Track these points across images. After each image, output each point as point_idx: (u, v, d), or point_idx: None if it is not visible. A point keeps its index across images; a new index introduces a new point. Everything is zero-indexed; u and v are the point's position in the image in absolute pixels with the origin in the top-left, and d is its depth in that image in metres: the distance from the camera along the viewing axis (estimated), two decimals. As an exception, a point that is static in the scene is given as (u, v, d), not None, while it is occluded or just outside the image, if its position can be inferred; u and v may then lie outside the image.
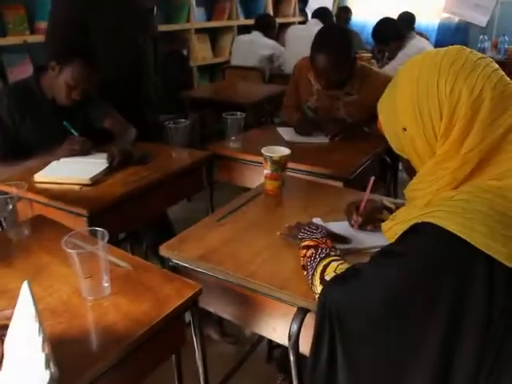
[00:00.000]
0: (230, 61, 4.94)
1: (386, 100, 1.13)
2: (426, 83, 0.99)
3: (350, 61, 2.36)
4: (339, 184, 1.99)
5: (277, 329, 1.31)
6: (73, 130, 2.19)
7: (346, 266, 1.12)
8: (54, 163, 2.09)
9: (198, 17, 5.19)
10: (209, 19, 5.45)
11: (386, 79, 2.53)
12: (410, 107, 1.02)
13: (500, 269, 0.86)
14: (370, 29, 6.52)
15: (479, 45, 5.62)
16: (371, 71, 2.49)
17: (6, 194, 1.95)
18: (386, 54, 4.55)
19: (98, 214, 1.74)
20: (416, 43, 3.95)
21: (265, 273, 1.29)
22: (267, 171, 1.72)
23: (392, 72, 3.50)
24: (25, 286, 1.00)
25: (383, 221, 1.39)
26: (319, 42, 2.35)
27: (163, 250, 1.42)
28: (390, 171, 2.46)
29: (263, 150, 1.73)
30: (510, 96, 0.97)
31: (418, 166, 1.07)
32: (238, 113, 2.30)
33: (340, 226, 1.51)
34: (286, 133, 2.53)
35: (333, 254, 1.20)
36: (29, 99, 2.23)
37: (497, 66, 1.01)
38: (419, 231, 0.94)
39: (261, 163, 1.80)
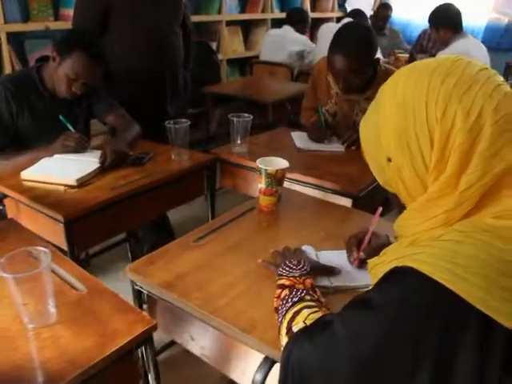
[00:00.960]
0: (259, 55, 4.75)
1: (367, 123, 0.94)
2: (412, 105, 0.81)
3: (371, 63, 2.14)
4: (347, 201, 1.80)
5: (246, 374, 1.14)
6: (69, 125, 2.06)
7: (318, 315, 0.94)
8: (45, 160, 1.96)
9: (230, 8, 5.01)
10: (242, 11, 5.25)
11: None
12: (395, 134, 0.83)
13: (498, 331, 0.68)
14: (412, 28, 6.25)
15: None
16: None
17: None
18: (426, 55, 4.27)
19: (76, 221, 1.61)
20: (461, 44, 3.47)
21: (233, 310, 1.12)
22: (261, 185, 1.55)
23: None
24: None
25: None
26: (336, 41, 2.14)
27: (129, 271, 1.27)
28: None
29: (258, 162, 1.55)
30: None
31: (407, 201, 0.89)
32: (246, 114, 2.12)
33: (333, 257, 1.32)
34: (300, 138, 2.34)
35: (308, 298, 1.02)
36: (28, 90, 2.11)
37: (501, 78, 0.81)
38: (398, 277, 0.76)
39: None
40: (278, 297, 1.08)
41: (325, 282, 1.21)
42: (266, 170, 1.51)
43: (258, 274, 1.25)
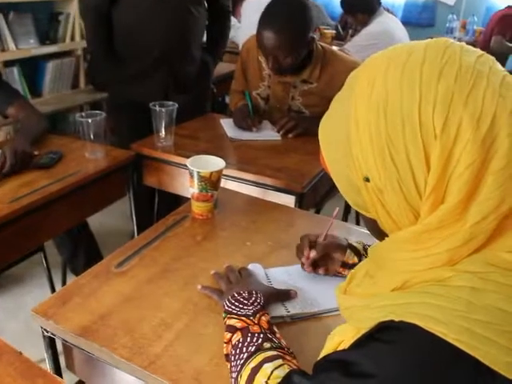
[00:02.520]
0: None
1: (329, 129, 0.70)
2: (400, 111, 0.59)
3: (304, 41, 1.92)
4: (290, 199, 1.60)
5: None
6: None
7: (283, 371, 0.74)
8: None
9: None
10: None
11: (352, 68, 2.13)
12: (375, 148, 0.61)
13: None
14: (336, 2, 6.12)
15: (447, 25, 5.28)
16: (335, 55, 2.05)
17: None
18: (350, 31, 4.13)
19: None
20: (383, 20, 3.42)
21: (173, 359, 0.89)
22: (194, 190, 1.31)
23: (353, 51, 3.11)
24: None
25: (345, 264, 1.08)
26: (265, 16, 1.90)
27: (33, 315, 1.00)
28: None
29: (188, 163, 1.30)
30: None
31: (390, 228, 0.67)
32: (170, 102, 1.86)
33: (285, 275, 1.12)
34: (231, 127, 2.11)
35: (267, 346, 0.81)
36: None
37: (499, 65, 0.61)
38: (395, 337, 0.56)
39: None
40: (229, 342, 0.86)
41: (280, 310, 1.01)
42: (198, 172, 1.27)
43: (199, 306, 1.03)
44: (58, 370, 1.08)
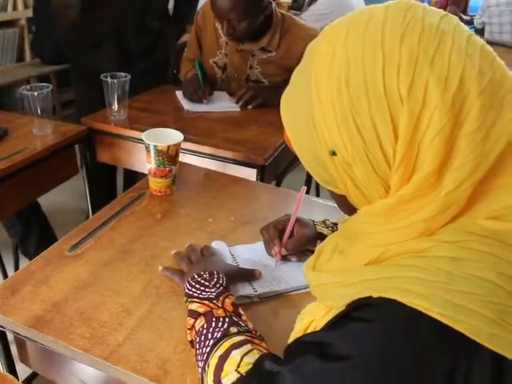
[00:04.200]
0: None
1: (292, 101, 0.65)
2: (362, 77, 0.54)
3: (261, 4, 1.83)
4: (252, 172, 1.54)
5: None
6: None
7: (253, 357, 0.69)
8: None
9: None
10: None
11: (312, 35, 2.05)
12: (339, 119, 0.56)
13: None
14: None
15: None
16: (294, 23, 1.98)
17: None
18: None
19: None
20: None
21: (135, 348, 0.83)
22: (151, 166, 1.24)
23: (310, 21, 3.02)
24: None
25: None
26: None
27: (-19, 306, 0.92)
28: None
29: (144, 136, 1.23)
30: (503, 82, 0.54)
31: (360, 203, 0.62)
32: (122, 74, 1.75)
33: (250, 252, 1.07)
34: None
35: (234, 330, 0.76)
36: None
37: (463, 25, 0.57)
38: (375, 315, 0.52)
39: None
40: (192, 328, 0.81)
41: (247, 290, 0.96)
42: (155, 146, 1.20)
43: (161, 289, 0.97)
44: (10, 363, 1.02)
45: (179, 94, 2.07)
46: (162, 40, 2.44)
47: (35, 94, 1.60)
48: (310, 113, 0.59)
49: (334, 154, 0.58)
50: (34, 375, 1.52)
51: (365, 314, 0.53)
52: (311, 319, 0.68)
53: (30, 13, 3.64)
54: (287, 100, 0.66)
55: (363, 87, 0.54)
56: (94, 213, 1.82)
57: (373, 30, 0.55)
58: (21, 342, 0.95)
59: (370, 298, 0.53)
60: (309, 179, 2.18)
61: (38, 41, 3.63)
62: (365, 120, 0.54)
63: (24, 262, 2.06)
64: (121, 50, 2.26)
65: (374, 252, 0.59)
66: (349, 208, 0.66)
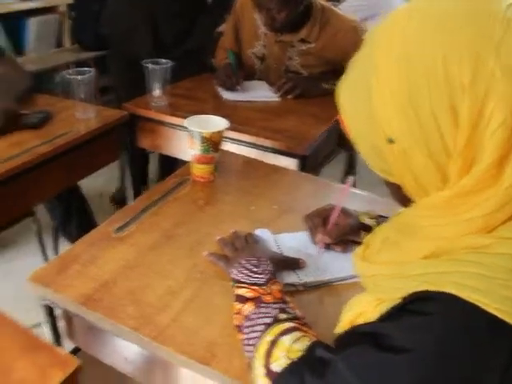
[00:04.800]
0: None
1: (350, 88, 0.65)
2: (423, 63, 0.54)
3: None
4: (291, 162, 1.54)
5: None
6: None
7: (302, 344, 0.69)
8: None
9: None
10: None
11: (352, 27, 2.06)
12: (398, 106, 0.56)
13: None
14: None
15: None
16: (334, 14, 1.95)
17: None
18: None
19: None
20: None
21: (181, 331, 0.84)
22: (194, 152, 1.24)
23: (349, 12, 2.99)
24: None
25: (359, 243, 0.99)
26: None
27: (31, 282, 0.94)
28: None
29: (187, 122, 1.24)
30: None
31: (416, 194, 0.62)
32: (163, 60, 1.77)
33: (294, 241, 1.07)
34: (226, 87, 2.03)
35: (283, 316, 0.76)
36: None
37: None
38: (431, 308, 0.52)
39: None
40: (239, 313, 0.82)
41: (292, 277, 0.96)
42: (200, 132, 1.21)
43: (206, 273, 0.98)
44: (57, 339, 1.04)
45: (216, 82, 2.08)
46: (198, 28, 2.44)
47: (79, 78, 1.62)
48: (368, 100, 0.59)
49: (391, 141, 0.58)
50: (75, 351, 1.55)
51: (423, 307, 0.52)
52: (360, 311, 0.67)
53: (69, -1, 3.69)
54: (346, 87, 0.66)
55: (423, 75, 0.54)
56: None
57: (434, 17, 0.55)
58: (69, 319, 0.97)
59: (427, 291, 0.52)
60: (349, 171, 2.17)
61: (78, 27, 3.68)
62: (424, 108, 0.54)
63: (64, 245, 2.11)
64: (155, 36, 2.28)
65: (430, 246, 0.58)
66: (403, 198, 0.66)
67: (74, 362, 0.77)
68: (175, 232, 1.09)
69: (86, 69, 1.64)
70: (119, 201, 2.50)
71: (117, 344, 0.94)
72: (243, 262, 0.90)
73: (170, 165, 2.37)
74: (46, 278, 0.94)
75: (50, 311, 0.99)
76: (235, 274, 0.88)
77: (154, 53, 2.08)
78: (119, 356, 0.96)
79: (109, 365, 0.99)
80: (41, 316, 1.00)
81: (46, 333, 1.04)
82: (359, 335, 0.57)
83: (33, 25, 3.64)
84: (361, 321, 0.66)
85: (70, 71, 1.62)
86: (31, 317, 1.02)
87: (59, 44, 3.91)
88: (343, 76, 0.66)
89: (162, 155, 2.36)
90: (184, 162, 1.39)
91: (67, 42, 3.91)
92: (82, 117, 1.67)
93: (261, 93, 1.97)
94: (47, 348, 0.79)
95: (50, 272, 0.95)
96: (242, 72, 2.04)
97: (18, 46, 3.61)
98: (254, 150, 1.59)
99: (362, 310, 0.67)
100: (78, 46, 3.77)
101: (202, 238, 1.08)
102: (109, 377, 1.29)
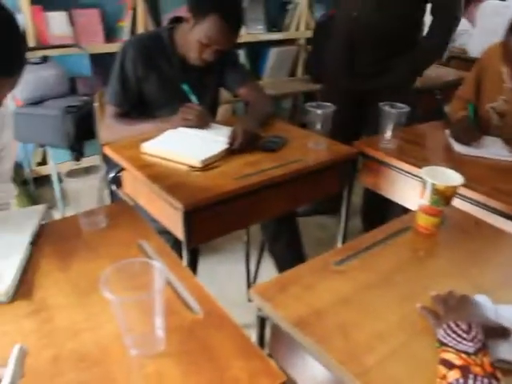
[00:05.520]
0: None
1: None
2: None
3: None
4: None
5: None
6: (192, 96, 1.87)
7: None
8: (169, 133, 1.78)
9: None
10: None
11: None
12: None
13: None
14: None
15: None
16: None
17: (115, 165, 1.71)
18: None
19: (196, 211, 1.40)
20: None
21: (384, 376, 0.84)
22: (424, 202, 1.23)
23: None
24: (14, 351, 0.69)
25: None
26: None
27: (253, 293, 1.03)
28: None
29: (423, 172, 1.23)
30: None
31: None
32: (401, 105, 1.79)
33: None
34: (458, 139, 1.97)
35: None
36: (157, 53, 1.94)
37: None
38: None
39: (418, 176, 1.31)
40: (443, 377, 0.79)
41: (504, 353, 0.89)
42: (433, 184, 1.19)
43: (416, 325, 0.96)
44: (261, 346, 1.11)
45: (448, 132, 2.03)
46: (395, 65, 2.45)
47: (318, 111, 1.72)
48: None
49: None
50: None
51: None
52: None
53: (309, 34, 3.95)
54: None
55: None
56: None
57: None
58: (277, 333, 1.03)
59: None
60: None
61: (310, 60, 3.93)
62: None
63: (266, 261, 2.24)
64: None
65: None
66: None
67: (282, 377, 0.82)
68: (392, 277, 1.09)
69: (327, 104, 1.74)
70: None
71: (316, 370, 0.97)
72: (452, 324, 0.87)
73: (375, 203, 2.40)
74: (268, 293, 1.02)
75: (262, 322, 1.07)
76: (442, 335, 0.86)
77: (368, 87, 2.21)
78: (310, 376, 0.99)
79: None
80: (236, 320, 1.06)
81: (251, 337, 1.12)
82: None
83: (273, 54, 3.98)
84: None
85: (313, 104, 1.73)
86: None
87: (292, 73, 4.20)
88: None
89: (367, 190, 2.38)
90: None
91: (299, 72, 4.17)
92: (313, 147, 1.77)
93: (495, 150, 1.87)
94: (261, 356, 0.86)
95: (271, 288, 1.03)
96: (479, 129, 1.96)
97: (257, 71, 3.97)
98: (480, 210, 1.51)
99: None
100: (308, 77, 4.00)
101: (417, 289, 1.06)
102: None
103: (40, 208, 1.28)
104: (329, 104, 1.74)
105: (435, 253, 1.21)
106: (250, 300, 1.43)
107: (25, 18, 2.92)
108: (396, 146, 1.81)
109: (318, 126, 1.74)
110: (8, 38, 0.95)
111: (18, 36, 0.99)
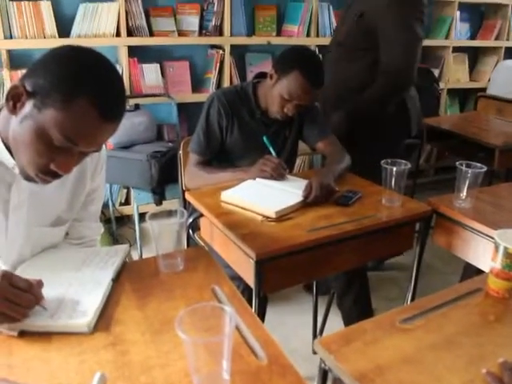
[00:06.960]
0: (487, 88, 4.25)
1: None
2: None
3: None
4: None
5: None
6: (271, 148, 1.96)
7: None
8: (247, 183, 1.87)
9: (459, 33, 4.63)
10: (472, 37, 4.79)
11: None
12: None
13: None
14: None
15: None
16: None
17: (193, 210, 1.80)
18: None
19: (268, 260, 1.45)
20: None
21: None
22: (495, 265, 1.22)
23: None
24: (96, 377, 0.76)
25: None
26: None
27: (318, 345, 1.06)
28: None
29: (497, 235, 1.23)
30: None
31: None
32: (478, 164, 1.78)
33: None
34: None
35: None
36: (241, 106, 2.06)
37: None
38: None
39: (492, 238, 1.30)
40: None
41: None
42: (506, 248, 1.19)
43: (481, 392, 0.95)
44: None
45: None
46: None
47: (394, 168, 1.75)
48: None
49: None
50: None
51: None
52: None
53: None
54: None
55: None
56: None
57: None
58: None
59: None
60: None
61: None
62: None
63: (334, 313, 2.24)
64: None
65: None
66: None
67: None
68: (458, 339, 1.09)
69: (402, 161, 1.76)
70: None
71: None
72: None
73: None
74: (332, 346, 1.04)
75: (324, 374, 1.09)
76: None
77: None
78: None
79: None
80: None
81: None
82: None
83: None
84: None
85: (389, 161, 1.76)
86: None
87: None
88: None
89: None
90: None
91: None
92: (387, 204, 1.79)
93: None
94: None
95: (336, 341, 1.06)
96: None
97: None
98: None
99: None
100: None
101: (484, 354, 1.05)
102: None
103: (124, 247, 1.38)
104: (404, 161, 1.77)
105: (506, 318, 1.18)
106: (314, 352, 1.45)
107: (123, 69, 3.19)
108: (471, 206, 1.79)
109: (393, 183, 1.76)
110: (117, 86, 1.09)
111: (123, 86, 1.12)
